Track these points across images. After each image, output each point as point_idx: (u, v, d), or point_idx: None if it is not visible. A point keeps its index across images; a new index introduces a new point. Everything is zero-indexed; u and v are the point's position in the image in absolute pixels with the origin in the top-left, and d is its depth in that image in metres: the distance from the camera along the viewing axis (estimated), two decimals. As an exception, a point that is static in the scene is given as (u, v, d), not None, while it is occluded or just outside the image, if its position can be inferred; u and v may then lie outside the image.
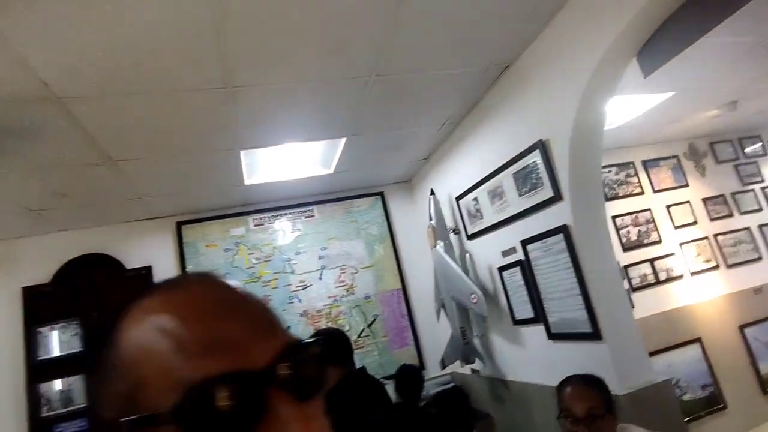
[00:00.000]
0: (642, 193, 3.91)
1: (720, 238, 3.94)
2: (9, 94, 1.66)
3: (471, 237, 2.95)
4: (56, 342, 2.97)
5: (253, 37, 1.64)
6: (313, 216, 3.65)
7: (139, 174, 2.57)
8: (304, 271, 3.52)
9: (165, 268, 3.27)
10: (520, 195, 2.37)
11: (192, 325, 0.35)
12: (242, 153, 2.61)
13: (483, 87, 2.45)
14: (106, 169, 2.40)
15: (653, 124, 3.58)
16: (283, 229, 3.57)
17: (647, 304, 3.48)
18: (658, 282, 3.65)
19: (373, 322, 3.54)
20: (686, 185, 4.05)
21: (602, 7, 1.73)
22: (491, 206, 2.65)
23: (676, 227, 3.87)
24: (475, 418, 3.03)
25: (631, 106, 3.11)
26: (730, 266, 3.87)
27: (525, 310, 2.49)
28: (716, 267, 3.84)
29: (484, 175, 2.64)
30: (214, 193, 3.19)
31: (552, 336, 2.30)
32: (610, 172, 3.86)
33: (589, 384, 1.65)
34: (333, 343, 2.13)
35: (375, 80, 2.10)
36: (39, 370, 2.89)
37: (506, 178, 2.46)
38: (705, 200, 4.04)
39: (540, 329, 2.37)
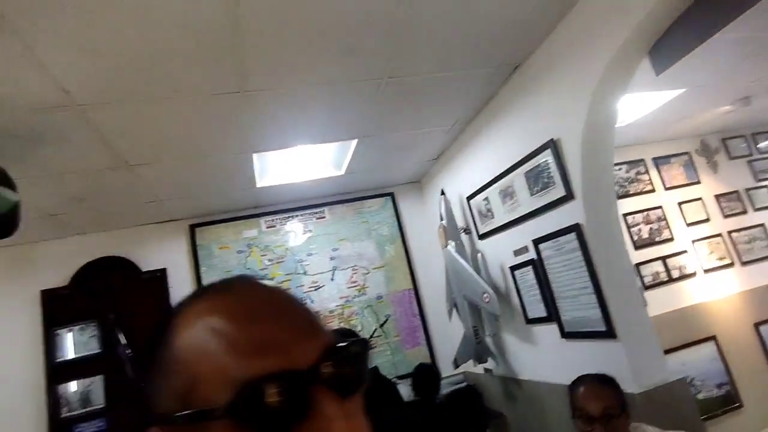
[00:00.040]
0: (653, 190, 3.89)
1: (734, 235, 3.90)
2: (30, 103, 1.71)
3: (482, 237, 2.95)
4: (74, 344, 3.03)
5: (267, 43, 1.66)
6: (324, 217, 3.68)
7: (154, 178, 2.62)
8: (316, 272, 3.55)
9: (179, 271, 3.33)
10: (531, 194, 2.37)
11: (242, 327, 0.37)
12: (255, 156, 2.64)
13: (493, 87, 2.46)
14: (123, 174, 2.45)
15: (664, 121, 3.55)
16: (295, 231, 3.60)
17: (660, 302, 3.45)
18: (671, 280, 3.62)
19: (385, 322, 3.56)
20: (698, 182, 4.02)
21: (614, 5, 1.73)
22: (502, 206, 2.66)
23: (689, 224, 3.84)
24: (488, 417, 3.05)
25: (641, 104, 3.09)
26: (744, 263, 3.83)
27: (537, 309, 2.49)
28: (731, 264, 3.80)
29: (495, 175, 2.65)
30: (226, 196, 3.23)
31: (565, 335, 2.30)
32: (620, 169, 3.84)
33: (603, 383, 1.65)
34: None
35: (387, 82, 2.12)
36: (58, 371, 2.95)
37: (517, 178, 2.46)
38: (718, 197, 4.00)
39: (553, 328, 2.38)
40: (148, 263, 3.29)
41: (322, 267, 3.57)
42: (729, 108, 3.51)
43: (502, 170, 2.57)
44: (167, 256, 3.35)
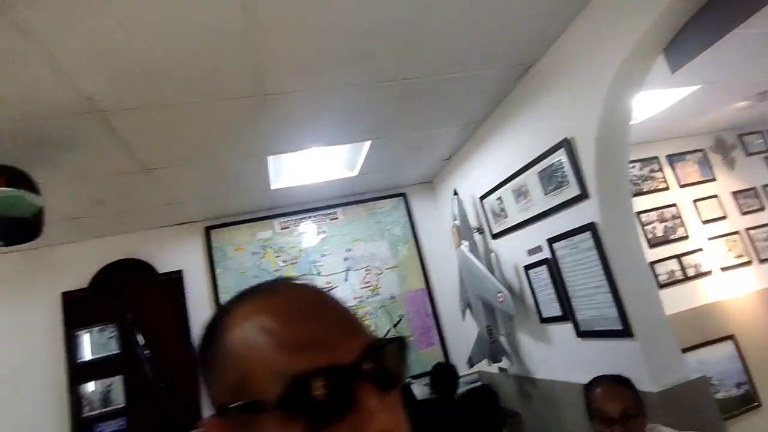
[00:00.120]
0: (667, 188, 3.85)
1: (752, 232, 3.85)
2: (54, 109, 1.75)
3: (495, 236, 2.96)
4: (94, 344, 3.09)
5: (284, 48, 1.69)
6: (337, 218, 3.71)
7: (171, 181, 2.66)
8: (330, 272, 3.58)
9: (195, 272, 3.38)
10: (545, 194, 2.37)
11: (289, 326, 0.40)
12: (269, 158, 2.68)
13: (506, 87, 2.46)
14: (141, 177, 2.50)
15: (678, 118, 3.52)
16: (309, 232, 3.64)
17: (675, 300, 3.41)
18: (686, 278, 3.58)
19: (398, 322, 3.58)
20: (713, 179, 3.97)
21: (628, 3, 1.72)
22: (516, 205, 2.66)
23: (704, 222, 3.80)
24: (504, 417, 3.05)
25: (655, 101, 3.07)
26: (762, 261, 3.78)
27: (552, 308, 2.49)
28: (749, 262, 3.75)
29: (508, 175, 2.65)
30: (241, 198, 3.27)
31: (581, 334, 2.29)
32: (633, 167, 3.81)
33: (621, 384, 1.64)
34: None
35: (400, 84, 2.13)
36: (79, 371, 3.02)
37: (531, 177, 2.46)
38: (735, 194, 3.95)
39: (568, 327, 2.37)
40: (164, 265, 3.35)
41: (335, 268, 3.59)
42: (745, 104, 3.47)
43: (516, 170, 2.57)
44: (183, 258, 3.40)
